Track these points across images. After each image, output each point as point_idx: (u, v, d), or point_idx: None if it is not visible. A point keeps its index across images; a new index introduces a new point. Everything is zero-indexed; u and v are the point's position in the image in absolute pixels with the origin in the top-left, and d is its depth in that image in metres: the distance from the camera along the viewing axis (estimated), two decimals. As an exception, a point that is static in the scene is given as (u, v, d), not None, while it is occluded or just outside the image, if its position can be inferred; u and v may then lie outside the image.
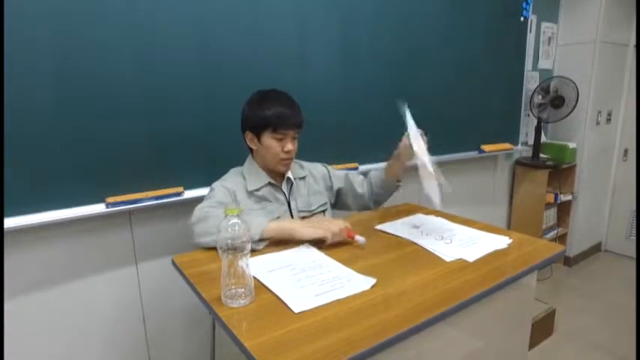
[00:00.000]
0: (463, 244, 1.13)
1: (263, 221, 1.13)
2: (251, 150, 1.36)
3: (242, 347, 0.68)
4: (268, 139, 1.26)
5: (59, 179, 1.26)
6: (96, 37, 1.26)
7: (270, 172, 1.33)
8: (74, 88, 1.24)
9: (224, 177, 1.33)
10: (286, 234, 1.13)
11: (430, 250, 1.09)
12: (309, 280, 0.92)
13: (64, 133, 1.24)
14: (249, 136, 1.30)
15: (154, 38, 1.35)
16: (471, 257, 1.03)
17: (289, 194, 1.36)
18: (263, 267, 0.99)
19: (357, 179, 1.51)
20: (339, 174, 1.52)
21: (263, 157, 1.31)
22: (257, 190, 1.30)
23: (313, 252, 1.09)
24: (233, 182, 1.30)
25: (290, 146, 1.27)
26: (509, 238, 1.16)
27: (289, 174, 1.37)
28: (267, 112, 1.23)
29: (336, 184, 1.49)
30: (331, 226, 1.12)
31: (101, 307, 1.48)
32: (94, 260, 1.44)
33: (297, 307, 0.80)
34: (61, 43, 1.21)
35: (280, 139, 1.26)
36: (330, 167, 1.53)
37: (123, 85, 1.32)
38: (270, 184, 1.32)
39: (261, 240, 1.11)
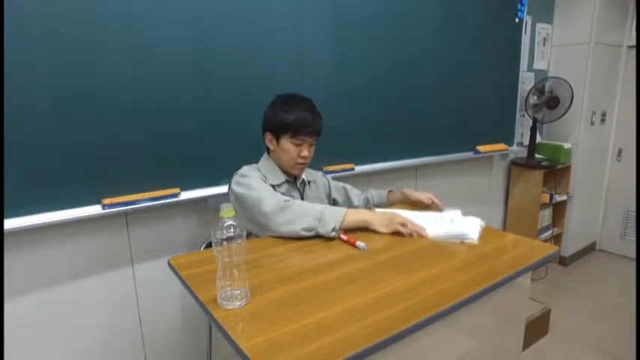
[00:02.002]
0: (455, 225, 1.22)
1: (341, 210, 1.19)
2: (267, 149, 1.39)
3: (238, 349, 0.69)
4: (286, 143, 1.30)
5: (55, 180, 1.26)
6: (93, 38, 1.26)
7: (285, 171, 1.37)
8: (71, 88, 1.24)
9: (247, 173, 1.30)
10: (360, 224, 1.22)
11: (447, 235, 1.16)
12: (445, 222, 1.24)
13: (60, 133, 1.24)
14: (268, 136, 1.34)
15: (152, 40, 1.36)
16: (474, 235, 1.14)
17: (302, 193, 1.42)
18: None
19: (354, 192, 1.57)
20: (337, 185, 1.58)
21: (279, 159, 1.35)
22: (278, 185, 1.34)
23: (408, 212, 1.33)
24: (260, 177, 1.31)
25: (306, 152, 1.32)
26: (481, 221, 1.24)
27: (303, 175, 1.43)
28: (289, 116, 1.27)
29: (334, 194, 1.55)
30: (398, 223, 1.20)
31: (97, 308, 1.48)
32: (90, 261, 1.44)
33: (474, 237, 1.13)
34: (58, 44, 1.21)
35: (298, 145, 1.30)
36: (329, 177, 1.59)
37: (120, 85, 1.32)
38: (287, 181, 1.37)
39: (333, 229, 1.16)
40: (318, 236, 1.17)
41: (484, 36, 2.42)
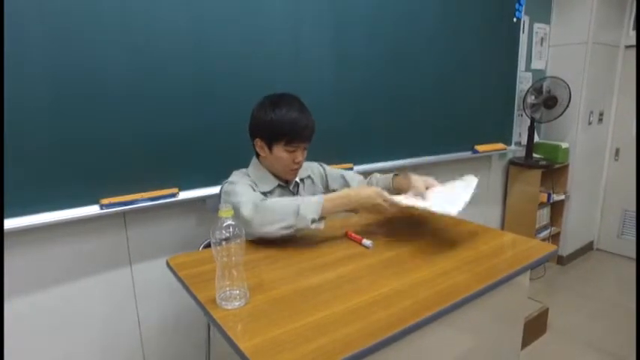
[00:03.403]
0: (448, 200, 1.18)
1: (318, 199, 1.14)
2: (256, 154, 1.34)
3: (237, 349, 0.69)
4: (280, 151, 1.24)
5: (53, 181, 1.25)
6: (91, 38, 1.25)
7: (277, 175, 1.33)
8: (68, 88, 1.24)
9: (234, 180, 1.25)
10: (344, 207, 1.17)
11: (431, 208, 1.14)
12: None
13: (57, 133, 1.24)
14: (259, 143, 1.27)
15: (150, 39, 1.35)
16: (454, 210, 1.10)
17: (297, 194, 1.38)
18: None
19: (355, 179, 1.50)
20: (334, 173, 1.50)
21: (272, 165, 1.30)
22: (269, 192, 1.30)
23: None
24: (249, 183, 1.27)
25: (301, 157, 1.27)
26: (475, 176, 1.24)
27: (296, 177, 1.37)
28: (280, 122, 1.20)
29: (332, 184, 1.49)
30: (381, 201, 1.17)
31: (96, 308, 1.48)
32: (88, 262, 1.44)
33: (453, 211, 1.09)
34: (57, 44, 1.21)
35: (292, 151, 1.25)
36: (326, 166, 1.53)
37: (118, 85, 1.32)
38: (279, 186, 1.33)
39: (321, 219, 1.13)
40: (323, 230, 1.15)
41: (482, 36, 2.42)
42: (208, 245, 1.35)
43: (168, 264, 1.05)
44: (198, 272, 0.99)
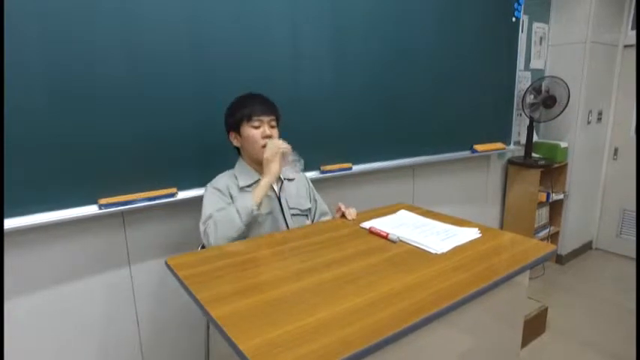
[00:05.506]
0: (441, 237, 1.17)
1: (250, 197, 1.25)
2: (238, 151, 1.41)
3: (236, 349, 0.68)
4: (247, 130, 1.33)
5: (51, 181, 1.25)
6: (89, 38, 1.25)
7: (260, 167, 1.35)
8: (66, 89, 1.24)
9: (214, 180, 1.37)
10: (268, 187, 1.29)
11: (413, 243, 1.13)
12: (428, 232, 1.19)
13: (55, 134, 1.24)
14: (232, 135, 1.38)
15: (148, 39, 1.35)
16: (446, 248, 1.09)
17: (279, 191, 1.40)
18: (386, 225, 1.26)
19: (320, 208, 1.57)
20: (315, 193, 1.57)
21: (248, 151, 1.36)
22: (248, 186, 1.34)
23: (411, 214, 1.39)
24: (225, 182, 1.34)
25: (268, 131, 1.33)
26: (479, 230, 1.22)
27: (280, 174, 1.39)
28: (239, 103, 1.34)
29: (314, 198, 1.55)
30: (277, 149, 1.29)
31: (94, 308, 1.48)
32: (86, 262, 1.44)
33: (438, 250, 1.07)
34: (54, 44, 1.20)
35: (258, 127, 1.33)
36: (311, 184, 1.57)
37: (116, 85, 1.31)
38: (260, 180, 1.34)
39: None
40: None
41: (481, 35, 2.42)
42: (207, 245, 1.35)
43: (167, 264, 1.05)
44: (197, 272, 0.99)
